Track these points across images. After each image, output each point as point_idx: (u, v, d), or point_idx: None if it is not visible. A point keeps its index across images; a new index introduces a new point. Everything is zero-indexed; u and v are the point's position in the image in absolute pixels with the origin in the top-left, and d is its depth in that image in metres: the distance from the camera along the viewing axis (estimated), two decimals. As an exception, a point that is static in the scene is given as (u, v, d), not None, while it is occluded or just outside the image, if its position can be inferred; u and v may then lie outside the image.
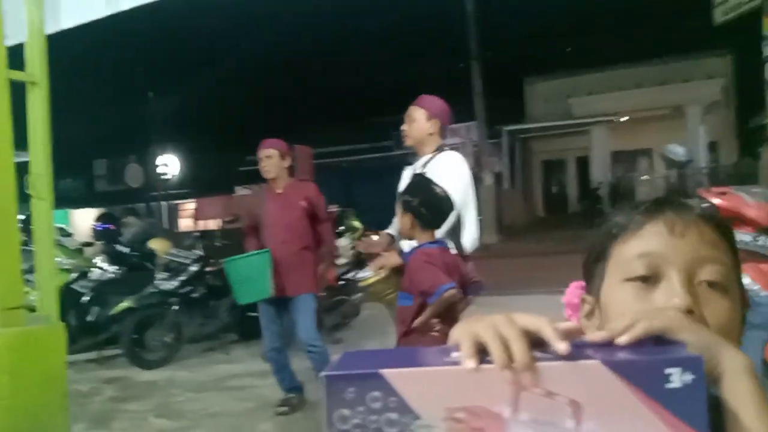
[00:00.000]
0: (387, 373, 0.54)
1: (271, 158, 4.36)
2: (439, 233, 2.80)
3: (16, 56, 3.48)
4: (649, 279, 0.78)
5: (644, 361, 0.55)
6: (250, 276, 4.25)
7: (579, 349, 0.56)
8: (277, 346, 4.40)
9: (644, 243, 0.80)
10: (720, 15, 9.30)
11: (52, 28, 4.10)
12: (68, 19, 4.31)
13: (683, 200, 0.82)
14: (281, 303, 4.40)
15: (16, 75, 3.47)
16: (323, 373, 0.55)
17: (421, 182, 2.74)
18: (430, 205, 2.64)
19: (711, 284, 0.76)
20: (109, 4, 3.88)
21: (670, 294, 0.75)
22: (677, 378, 0.52)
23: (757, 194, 2.90)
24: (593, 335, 0.61)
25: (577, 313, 0.92)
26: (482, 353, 0.55)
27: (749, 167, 16.36)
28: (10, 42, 3.49)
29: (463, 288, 2.71)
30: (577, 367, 0.54)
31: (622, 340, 0.59)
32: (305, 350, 4.37)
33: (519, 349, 0.54)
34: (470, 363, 0.54)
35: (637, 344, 0.59)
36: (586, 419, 0.53)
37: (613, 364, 0.53)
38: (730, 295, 0.78)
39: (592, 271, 0.88)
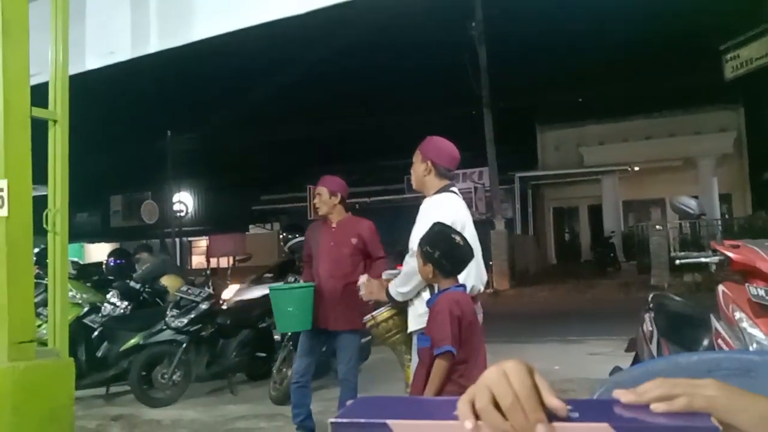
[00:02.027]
0: (393, 423, 0.55)
1: (321, 195, 4.51)
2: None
3: (37, 93, 3.57)
4: None
5: (657, 428, 0.53)
6: (293, 308, 4.30)
7: (592, 409, 0.56)
8: (303, 380, 4.41)
9: None
10: (730, 71, 9.40)
11: (77, 69, 4.22)
12: (93, 60, 4.43)
13: None
14: (322, 336, 4.45)
15: (39, 113, 3.57)
16: (331, 420, 0.57)
17: (441, 232, 2.76)
18: (450, 256, 2.70)
19: None
20: (135, 48, 3.99)
21: None
22: None
23: (772, 248, 2.87)
24: (621, 393, 0.59)
25: None
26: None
27: (763, 220, 16.28)
28: (34, 81, 3.59)
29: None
30: (585, 430, 0.53)
31: (659, 408, 0.56)
32: (340, 381, 4.43)
33: (520, 418, 0.54)
34: (469, 423, 0.54)
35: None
36: None
37: (623, 429, 0.52)
38: None
39: None
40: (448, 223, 3.06)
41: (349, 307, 4.31)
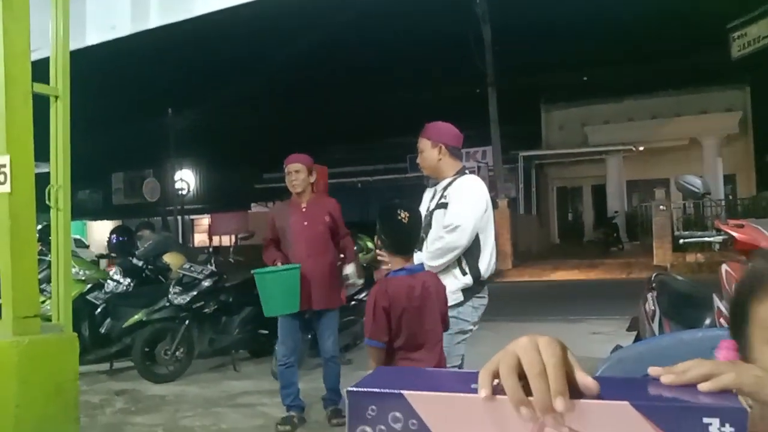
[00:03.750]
0: (408, 394, 0.55)
1: (299, 173, 4.44)
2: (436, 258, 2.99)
3: (38, 69, 3.55)
4: None
5: (680, 407, 0.52)
6: (280, 290, 4.27)
7: (612, 386, 0.55)
8: (290, 361, 4.43)
9: None
10: (737, 49, 9.31)
11: (77, 44, 4.19)
12: (94, 36, 4.40)
13: None
14: (303, 317, 4.46)
15: (41, 88, 3.55)
16: (348, 388, 0.57)
17: (386, 210, 2.76)
18: (390, 234, 2.67)
19: None
20: (136, 23, 3.96)
21: None
22: (716, 429, 0.49)
23: (776, 228, 2.86)
24: (657, 371, 0.58)
25: None
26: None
27: (767, 200, 16.22)
28: (35, 56, 3.57)
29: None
30: (604, 407, 0.52)
31: (705, 387, 0.55)
32: (325, 360, 4.49)
33: (543, 389, 0.53)
34: (483, 392, 0.54)
35: (682, 388, 0.56)
36: None
37: (644, 407, 0.51)
38: None
39: (737, 326, 0.78)
40: (483, 205, 3.19)
41: (330, 285, 4.43)
